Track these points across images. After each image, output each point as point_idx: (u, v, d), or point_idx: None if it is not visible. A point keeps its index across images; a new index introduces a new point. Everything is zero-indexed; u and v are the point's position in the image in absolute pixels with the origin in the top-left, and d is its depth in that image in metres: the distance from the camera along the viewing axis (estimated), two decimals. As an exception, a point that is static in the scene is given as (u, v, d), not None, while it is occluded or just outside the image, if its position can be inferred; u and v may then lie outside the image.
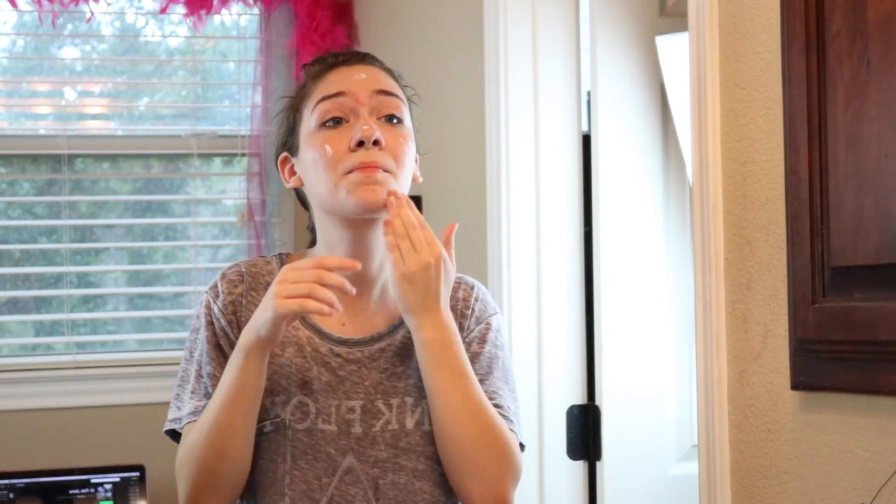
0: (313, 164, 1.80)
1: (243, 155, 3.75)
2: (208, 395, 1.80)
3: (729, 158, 2.03)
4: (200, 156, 3.77)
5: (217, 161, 3.85)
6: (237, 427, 1.74)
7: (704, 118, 2.06)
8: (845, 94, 1.74)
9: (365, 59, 1.87)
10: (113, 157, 3.79)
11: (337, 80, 1.83)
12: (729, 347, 2.04)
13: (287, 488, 1.78)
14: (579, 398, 2.92)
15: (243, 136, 3.74)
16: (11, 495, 3.33)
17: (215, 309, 1.83)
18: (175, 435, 1.85)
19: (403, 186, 1.82)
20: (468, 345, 1.86)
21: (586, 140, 2.94)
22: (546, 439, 2.89)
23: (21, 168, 3.73)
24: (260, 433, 1.79)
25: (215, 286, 1.85)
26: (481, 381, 1.83)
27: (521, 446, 1.86)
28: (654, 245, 2.92)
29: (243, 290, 1.84)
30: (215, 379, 1.80)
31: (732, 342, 2.03)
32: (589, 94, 2.95)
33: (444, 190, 3.22)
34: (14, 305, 3.67)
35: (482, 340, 1.88)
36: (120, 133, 3.81)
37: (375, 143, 1.77)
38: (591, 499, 2.92)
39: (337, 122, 1.80)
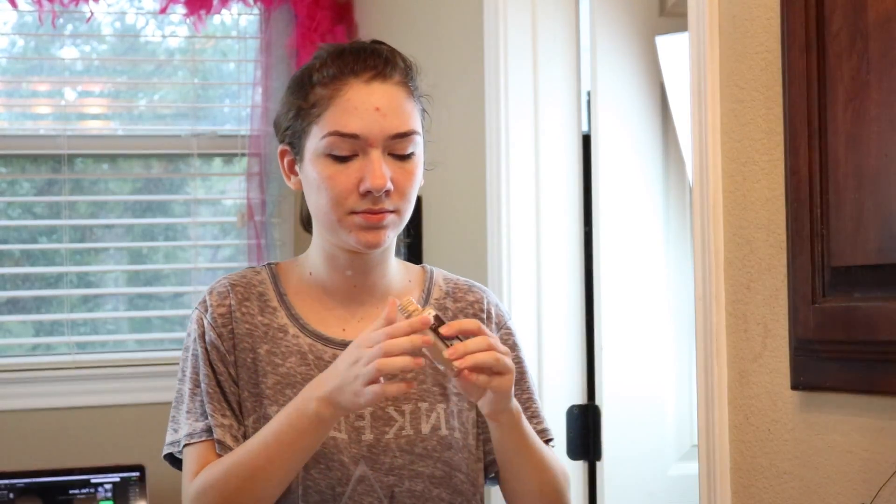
0: (317, 189, 1.74)
1: (243, 155, 3.75)
2: (205, 415, 1.76)
3: (729, 158, 2.03)
4: (200, 156, 3.77)
5: (217, 161, 3.84)
6: (283, 479, 1.70)
7: (704, 118, 2.06)
8: (845, 93, 1.74)
9: (384, 71, 1.77)
10: (113, 157, 3.79)
11: (353, 110, 1.73)
12: (729, 347, 2.04)
13: (301, 499, 1.74)
14: (579, 398, 2.92)
15: (243, 136, 3.74)
16: (11, 495, 3.33)
17: (206, 322, 1.80)
18: (173, 460, 1.81)
19: (407, 217, 1.78)
20: None
21: (586, 140, 2.94)
22: (546, 439, 2.89)
23: (21, 168, 3.73)
24: None
25: (204, 301, 1.82)
26: (515, 384, 1.77)
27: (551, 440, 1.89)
28: (654, 245, 2.92)
29: (233, 301, 1.80)
30: (209, 396, 1.76)
31: (732, 342, 2.03)
32: (589, 94, 2.95)
33: (444, 190, 3.21)
34: (14, 305, 3.67)
35: (507, 346, 1.81)
36: (120, 133, 3.81)
37: (385, 191, 1.73)
38: (591, 499, 2.92)
39: (346, 157, 1.73)
